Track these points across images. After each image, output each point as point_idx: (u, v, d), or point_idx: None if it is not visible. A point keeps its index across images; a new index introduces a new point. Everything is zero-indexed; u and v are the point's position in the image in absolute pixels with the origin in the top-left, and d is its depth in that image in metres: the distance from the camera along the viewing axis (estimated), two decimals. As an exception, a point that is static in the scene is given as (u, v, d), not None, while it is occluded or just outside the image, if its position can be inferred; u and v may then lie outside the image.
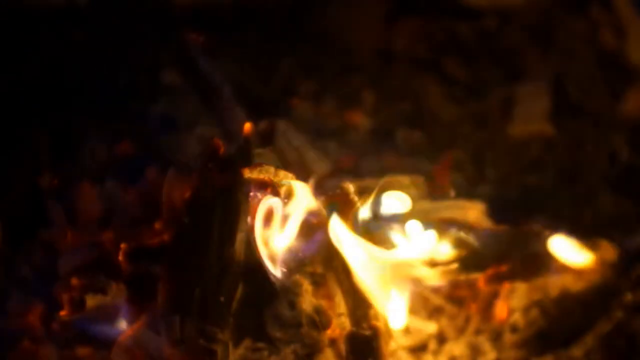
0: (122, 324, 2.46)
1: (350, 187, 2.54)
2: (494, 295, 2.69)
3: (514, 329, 2.66)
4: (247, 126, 2.53)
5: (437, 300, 2.70)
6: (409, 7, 3.63)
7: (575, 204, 3.10)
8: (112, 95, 3.27)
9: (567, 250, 2.69)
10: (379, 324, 2.42)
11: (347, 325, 2.42)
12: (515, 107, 3.43)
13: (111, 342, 2.42)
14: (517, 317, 2.66)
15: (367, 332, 2.40)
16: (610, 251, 2.72)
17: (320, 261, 2.45)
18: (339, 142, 3.22)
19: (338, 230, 2.44)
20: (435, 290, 2.66)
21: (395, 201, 2.57)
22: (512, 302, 2.68)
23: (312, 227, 2.46)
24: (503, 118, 3.41)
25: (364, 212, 2.54)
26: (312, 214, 2.48)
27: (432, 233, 2.57)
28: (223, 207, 2.41)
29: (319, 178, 2.70)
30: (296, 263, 2.41)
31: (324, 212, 2.48)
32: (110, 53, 3.37)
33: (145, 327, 2.40)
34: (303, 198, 2.46)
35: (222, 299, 2.36)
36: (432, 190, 2.67)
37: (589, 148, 3.33)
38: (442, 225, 2.64)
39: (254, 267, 2.41)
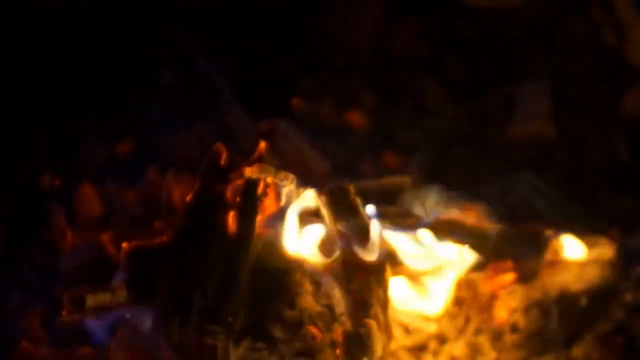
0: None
1: (351, 188, 2.55)
2: (494, 295, 2.69)
3: (514, 329, 2.66)
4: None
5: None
6: (409, 7, 3.63)
7: (575, 204, 3.10)
8: (112, 95, 3.28)
9: (567, 249, 2.70)
10: (374, 323, 2.42)
11: (347, 326, 2.42)
12: (516, 107, 3.43)
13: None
14: (517, 317, 2.66)
15: (361, 330, 2.40)
16: (609, 250, 2.72)
17: (320, 261, 2.45)
18: (339, 142, 3.22)
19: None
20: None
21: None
22: (512, 302, 2.68)
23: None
24: (503, 118, 3.41)
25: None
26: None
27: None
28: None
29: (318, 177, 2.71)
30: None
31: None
32: (110, 53, 3.37)
33: (144, 325, 2.40)
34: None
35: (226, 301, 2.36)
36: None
37: (589, 148, 3.33)
38: (442, 226, 2.64)
39: (255, 266, 2.41)
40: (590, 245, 2.71)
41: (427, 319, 2.66)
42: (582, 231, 2.74)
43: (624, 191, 3.18)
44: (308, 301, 2.41)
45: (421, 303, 2.57)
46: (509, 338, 2.65)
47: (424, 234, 2.61)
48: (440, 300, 2.58)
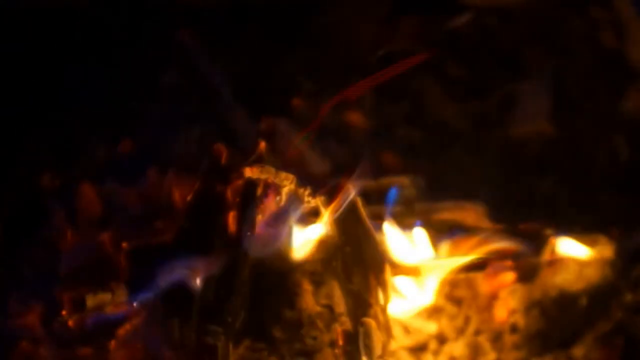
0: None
1: (351, 188, 2.55)
2: (494, 295, 2.69)
3: (514, 329, 2.66)
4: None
5: (437, 300, 2.71)
6: (409, 7, 3.63)
7: (575, 203, 3.10)
8: (112, 95, 3.28)
9: (567, 249, 2.70)
10: (374, 323, 2.42)
11: (347, 326, 2.42)
12: (516, 106, 3.43)
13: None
14: (517, 317, 2.66)
15: (361, 330, 2.41)
16: (609, 250, 2.72)
17: (320, 261, 2.45)
18: (339, 142, 3.22)
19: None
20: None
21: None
22: (512, 302, 2.68)
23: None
24: (503, 118, 3.41)
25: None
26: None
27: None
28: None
29: (318, 177, 2.70)
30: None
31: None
32: (110, 53, 3.37)
33: (144, 325, 2.40)
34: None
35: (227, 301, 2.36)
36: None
37: (589, 148, 3.33)
38: (442, 226, 2.64)
39: (255, 266, 2.41)
40: (590, 244, 2.71)
41: (427, 318, 2.66)
42: (582, 231, 2.74)
43: (624, 191, 3.18)
44: (308, 301, 2.41)
45: (415, 296, 2.57)
46: (509, 338, 2.65)
47: (424, 233, 2.61)
48: (432, 291, 2.57)
